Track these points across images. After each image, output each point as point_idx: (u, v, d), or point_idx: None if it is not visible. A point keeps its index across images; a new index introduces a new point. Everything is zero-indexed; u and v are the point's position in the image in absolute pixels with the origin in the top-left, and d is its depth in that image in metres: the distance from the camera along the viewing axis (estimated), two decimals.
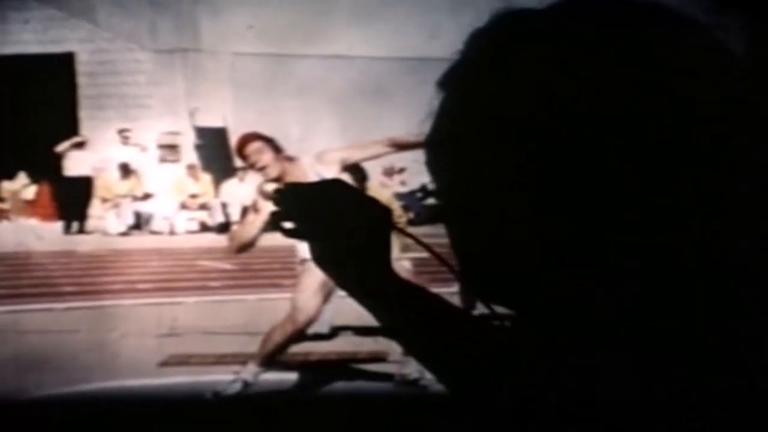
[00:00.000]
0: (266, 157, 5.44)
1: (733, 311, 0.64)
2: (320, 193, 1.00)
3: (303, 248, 5.54)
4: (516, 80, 0.66)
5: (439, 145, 0.72)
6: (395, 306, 1.02)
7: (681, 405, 0.61)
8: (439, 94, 0.73)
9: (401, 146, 5.88)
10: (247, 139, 5.56)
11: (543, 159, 0.65)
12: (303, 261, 5.55)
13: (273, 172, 5.43)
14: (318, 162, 5.53)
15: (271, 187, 5.42)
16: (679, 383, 0.62)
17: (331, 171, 5.46)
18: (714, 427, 0.60)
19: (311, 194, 1.00)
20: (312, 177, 5.47)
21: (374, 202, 0.98)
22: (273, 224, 0.99)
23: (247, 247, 5.59)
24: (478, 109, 0.68)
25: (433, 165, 0.74)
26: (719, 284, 0.64)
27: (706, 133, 0.63)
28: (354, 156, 5.66)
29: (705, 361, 0.62)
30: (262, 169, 5.45)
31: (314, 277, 5.46)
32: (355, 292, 1.02)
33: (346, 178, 5.55)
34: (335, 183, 1.00)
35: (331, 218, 0.98)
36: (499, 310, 0.79)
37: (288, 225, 1.00)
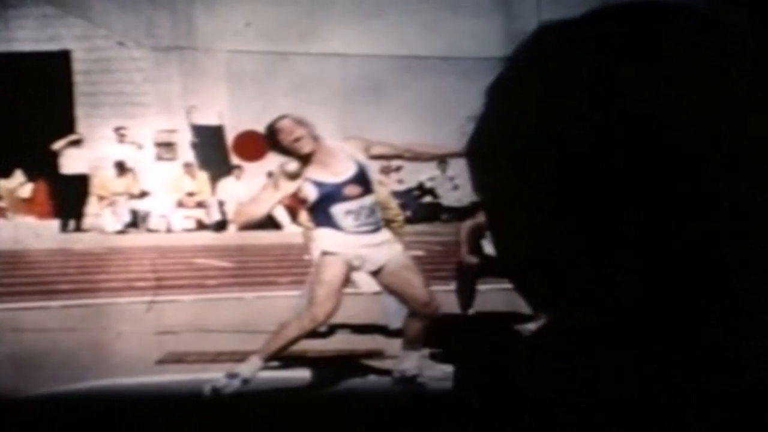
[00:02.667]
0: (301, 130, 5.46)
1: (734, 311, 0.64)
2: None
3: (323, 241, 5.50)
4: (561, 89, 0.66)
5: (482, 149, 0.72)
6: None
7: (681, 404, 0.61)
8: (485, 100, 0.73)
9: (415, 156, 5.93)
10: (277, 119, 5.56)
11: (581, 165, 0.65)
12: (324, 253, 5.48)
13: (307, 145, 5.42)
14: (346, 144, 5.57)
15: (294, 166, 5.40)
16: (679, 383, 0.62)
17: (359, 155, 5.49)
18: (714, 427, 0.60)
19: None
20: (341, 156, 5.47)
21: None
22: None
23: (251, 224, 5.59)
24: (523, 117, 0.68)
25: (473, 168, 0.74)
26: (720, 284, 0.64)
27: (707, 132, 0.63)
28: (376, 149, 5.67)
29: (705, 361, 0.62)
30: (297, 140, 5.42)
31: (336, 269, 5.42)
32: None
33: (374, 165, 5.59)
34: None
35: None
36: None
37: None
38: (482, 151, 0.72)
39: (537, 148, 0.66)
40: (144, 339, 7.15)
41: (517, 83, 0.70)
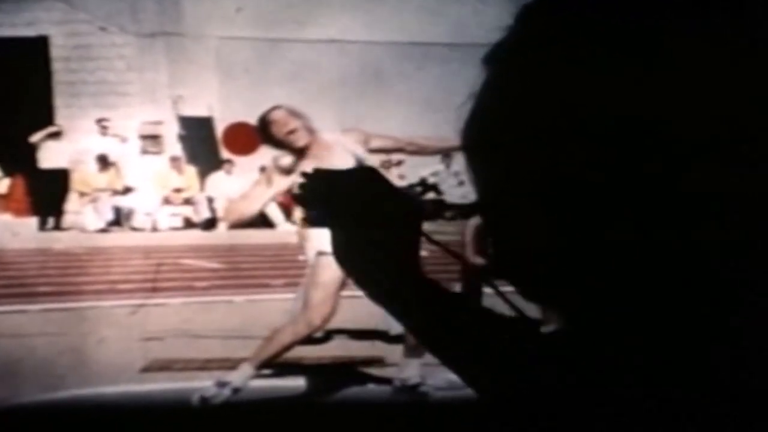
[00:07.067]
0: (295, 122, 5.48)
1: (734, 312, 0.65)
2: (351, 180, 0.98)
3: (319, 241, 5.51)
4: (565, 63, 0.66)
5: (480, 130, 0.72)
6: (419, 308, 1.00)
7: (683, 405, 0.62)
8: (483, 74, 0.72)
9: (418, 150, 5.94)
10: (270, 110, 5.58)
11: (581, 149, 0.65)
12: (320, 254, 5.49)
13: (302, 138, 5.44)
14: (344, 136, 5.58)
15: (288, 160, 5.42)
16: (681, 383, 0.63)
17: (358, 148, 5.50)
18: (715, 427, 0.62)
19: (341, 180, 0.98)
20: (338, 150, 5.48)
21: (408, 196, 0.99)
22: (298, 201, 0.99)
23: (242, 222, 5.61)
24: (524, 93, 0.68)
25: (471, 151, 0.74)
26: (721, 285, 0.65)
27: (705, 129, 0.64)
28: (375, 142, 5.69)
29: (706, 362, 0.64)
30: (291, 132, 5.44)
31: (332, 271, 5.42)
32: (375, 291, 1.00)
33: (374, 159, 5.59)
34: (368, 171, 0.99)
35: (361, 207, 0.96)
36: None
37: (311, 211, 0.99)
38: (477, 140, 0.72)
39: (528, 140, 0.67)
40: (128, 345, 7.16)
41: (511, 66, 0.70)
